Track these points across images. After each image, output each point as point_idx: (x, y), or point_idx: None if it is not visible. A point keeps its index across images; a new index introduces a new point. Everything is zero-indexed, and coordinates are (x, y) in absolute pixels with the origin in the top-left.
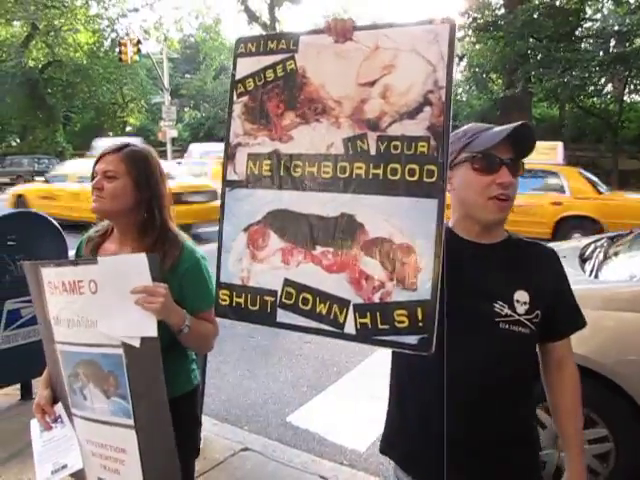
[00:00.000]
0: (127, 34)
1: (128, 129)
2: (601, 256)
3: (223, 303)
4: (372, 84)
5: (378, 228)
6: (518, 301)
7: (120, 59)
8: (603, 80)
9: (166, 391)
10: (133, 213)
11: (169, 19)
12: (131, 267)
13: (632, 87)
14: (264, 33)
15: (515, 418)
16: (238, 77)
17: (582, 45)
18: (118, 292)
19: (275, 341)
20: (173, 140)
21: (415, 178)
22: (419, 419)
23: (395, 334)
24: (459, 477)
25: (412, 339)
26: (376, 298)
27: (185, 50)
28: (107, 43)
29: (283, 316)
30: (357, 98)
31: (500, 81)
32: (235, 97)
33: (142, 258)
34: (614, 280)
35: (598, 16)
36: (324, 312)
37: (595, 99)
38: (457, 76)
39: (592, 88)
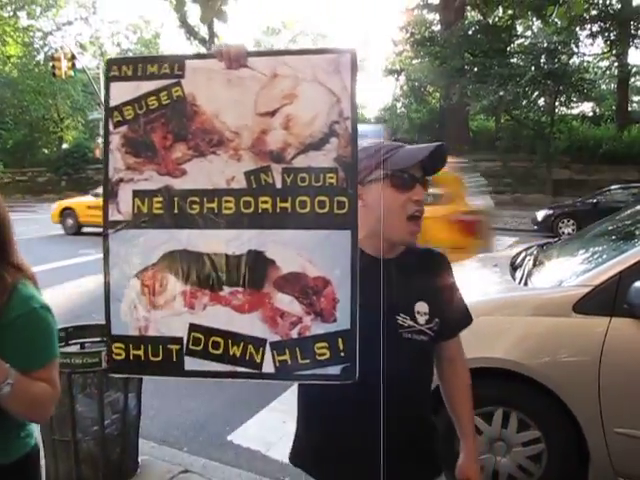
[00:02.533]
0: (61, 47)
1: (64, 146)
2: (530, 264)
3: (118, 358)
4: (272, 114)
5: (291, 263)
6: (419, 312)
7: (54, 74)
8: (535, 94)
9: None
10: None
11: (106, 33)
12: None
13: (562, 100)
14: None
15: (420, 418)
16: (113, 104)
17: (514, 60)
18: None
19: None
20: None
21: (325, 210)
22: (329, 427)
23: (317, 367)
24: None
25: (335, 369)
26: (294, 334)
27: None
28: (40, 57)
29: (192, 363)
30: (257, 129)
31: (438, 94)
32: (112, 127)
33: None
34: (543, 287)
35: (529, 33)
36: (238, 354)
37: (528, 112)
38: (396, 90)
39: (525, 102)
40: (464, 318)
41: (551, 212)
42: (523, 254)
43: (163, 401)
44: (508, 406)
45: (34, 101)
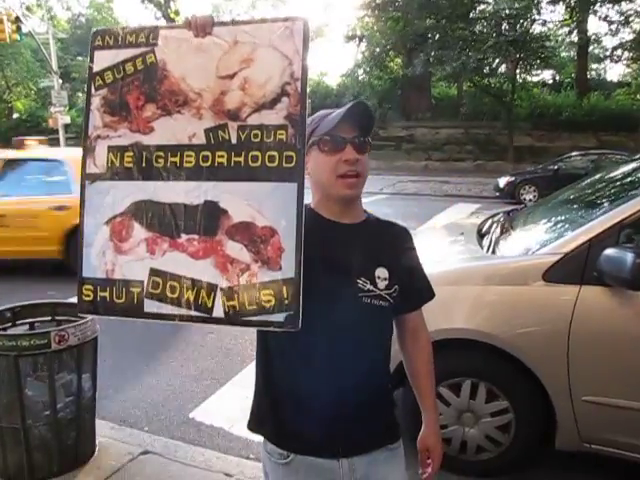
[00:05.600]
0: (5, 10)
1: (15, 115)
2: (498, 231)
3: (86, 299)
4: (232, 77)
5: (241, 213)
6: (379, 277)
7: None
8: (497, 61)
9: None
10: None
11: None
12: None
13: (523, 68)
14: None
15: (378, 381)
16: (96, 69)
17: (477, 28)
18: None
19: (176, 334)
20: (66, 127)
21: (275, 164)
22: (288, 389)
23: (263, 314)
24: (332, 443)
25: (279, 317)
26: (242, 280)
27: (75, 30)
28: None
29: (150, 306)
30: (217, 90)
31: (400, 61)
32: (93, 90)
33: None
34: (511, 255)
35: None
36: (192, 299)
37: (490, 79)
38: (357, 56)
39: (487, 68)
40: (426, 291)
41: (513, 179)
42: (489, 222)
43: (122, 379)
44: (476, 377)
45: None
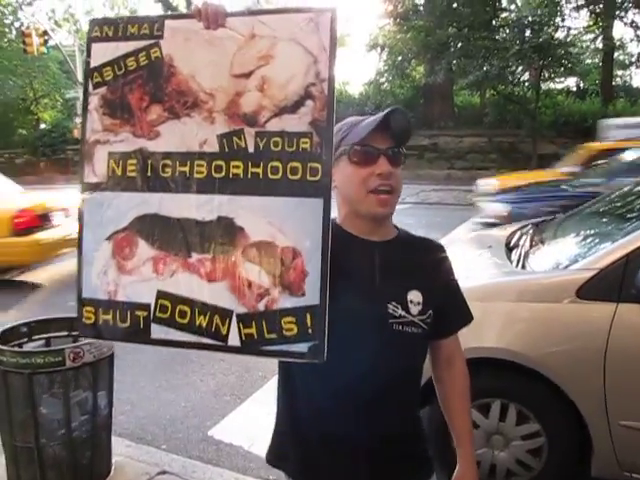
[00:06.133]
0: (33, 23)
1: (42, 126)
2: (527, 244)
3: (88, 322)
4: (248, 76)
5: (260, 231)
6: (412, 302)
7: (25, 50)
8: (520, 69)
9: None
10: None
11: (80, 9)
12: None
13: (547, 75)
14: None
15: (409, 414)
16: (94, 64)
17: (499, 35)
18: None
19: None
20: None
21: (298, 177)
22: (313, 425)
23: (284, 343)
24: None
25: (302, 347)
26: (261, 306)
27: None
28: (12, 35)
29: (158, 331)
30: (232, 91)
31: (422, 69)
32: (91, 88)
33: None
34: (542, 271)
35: (513, 7)
36: (204, 324)
37: (514, 87)
38: (379, 65)
39: (510, 76)
40: (464, 315)
41: None
42: (518, 233)
43: (140, 395)
44: (506, 398)
45: (7, 80)
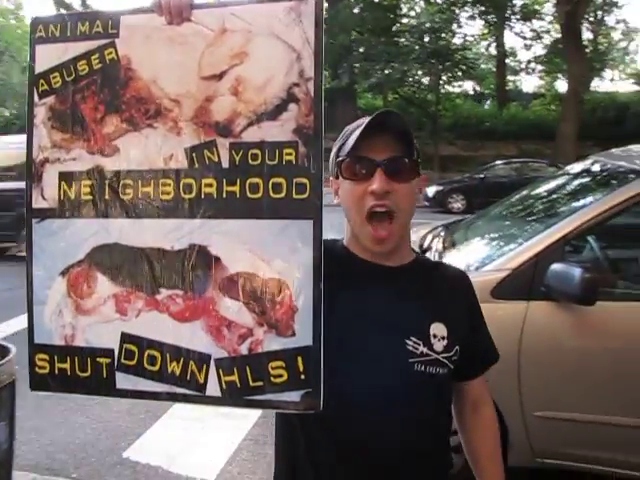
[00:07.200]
0: None
1: None
2: (440, 247)
3: (41, 372)
4: (219, 77)
5: (239, 261)
6: (435, 336)
7: None
8: (420, 72)
9: None
10: None
11: None
12: None
13: (446, 79)
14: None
15: (437, 462)
16: (39, 70)
17: (401, 40)
18: None
19: None
20: None
21: (282, 195)
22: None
23: (272, 392)
24: None
25: (294, 396)
26: (244, 349)
27: None
28: None
29: (124, 381)
30: (201, 96)
31: (326, 73)
32: (37, 98)
33: None
34: None
35: (413, 13)
36: (177, 372)
37: (415, 90)
38: None
39: (411, 80)
40: (491, 352)
41: (441, 188)
42: (430, 236)
43: (45, 420)
44: None
45: None
